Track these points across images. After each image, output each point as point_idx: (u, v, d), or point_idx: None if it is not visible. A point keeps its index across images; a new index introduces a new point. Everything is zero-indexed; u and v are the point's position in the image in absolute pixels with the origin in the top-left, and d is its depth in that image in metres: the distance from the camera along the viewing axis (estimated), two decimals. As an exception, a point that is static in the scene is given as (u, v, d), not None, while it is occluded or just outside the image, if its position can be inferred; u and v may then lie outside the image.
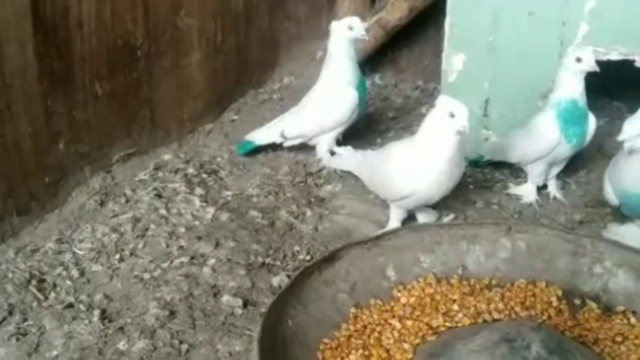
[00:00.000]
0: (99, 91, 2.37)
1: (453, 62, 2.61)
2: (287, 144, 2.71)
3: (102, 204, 2.34)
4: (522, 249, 1.93)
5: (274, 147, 2.78)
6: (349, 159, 2.54)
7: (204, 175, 2.57)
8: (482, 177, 2.59)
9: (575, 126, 2.33)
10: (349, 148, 2.61)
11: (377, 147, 2.87)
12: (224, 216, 2.32)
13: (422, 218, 2.27)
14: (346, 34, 2.56)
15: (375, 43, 3.37)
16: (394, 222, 2.23)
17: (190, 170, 2.58)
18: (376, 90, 3.51)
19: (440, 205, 2.32)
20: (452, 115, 1.98)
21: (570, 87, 2.28)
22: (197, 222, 2.29)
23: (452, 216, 2.31)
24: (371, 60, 3.51)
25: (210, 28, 2.89)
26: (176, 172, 2.57)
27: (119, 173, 2.51)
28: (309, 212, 2.37)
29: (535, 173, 2.43)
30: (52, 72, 2.16)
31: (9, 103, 2.04)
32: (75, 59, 2.24)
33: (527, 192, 2.44)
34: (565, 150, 2.35)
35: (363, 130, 3.00)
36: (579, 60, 2.24)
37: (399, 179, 2.13)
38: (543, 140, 2.34)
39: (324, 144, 2.67)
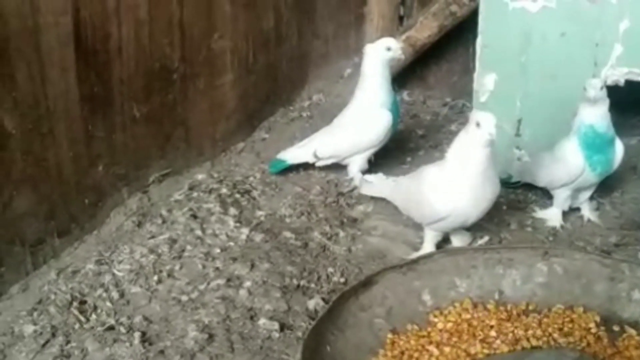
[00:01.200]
0: (136, 114, 2.42)
1: (485, 82, 2.61)
2: (319, 163, 2.73)
3: (140, 224, 2.38)
4: (559, 274, 1.93)
5: (305, 165, 2.81)
6: (381, 185, 2.54)
7: (237, 195, 2.60)
8: (515, 197, 2.58)
9: (600, 153, 2.31)
10: (380, 175, 2.61)
11: (407, 165, 2.89)
12: (258, 237, 2.35)
13: (456, 241, 2.28)
14: (383, 55, 2.58)
15: (404, 60, 3.38)
16: (428, 245, 2.24)
17: (224, 190, 2.62)
18: (405, 107, 3.50)
19: (473, 227, 2.32)
20: (478, 125, 1.97)
21: (586, 112, 2.28)
22: (232, 243, 2.32)
23: (486, 238, 2.31)
24: (400, 77, 3.51)
25: (242, 48, 2.93)
26: (210, 192, 2.61)
27: (155, 194, 2.55)
28: (341, 233, 2.39)
29: (561, 198, 2.42)
30: (93, 97, 2.21)
31: (51, 127, 2.10)
32: (115, 83, 2.29)
33: (552, 216, 2.43)
34: (591, 177, 2.34)
35: (393, 148, 3.00)
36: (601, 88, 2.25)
37: (433, 201, 2.14)
38: (568, 167, 2.34)
39: (355, 165, 2.69)
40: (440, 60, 3.61)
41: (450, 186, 2.09)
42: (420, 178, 2.23)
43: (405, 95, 3.58)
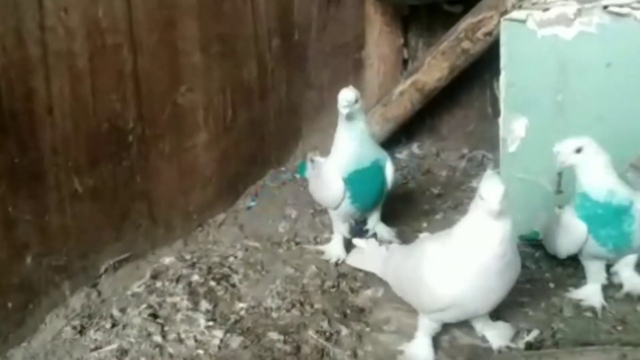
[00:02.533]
0: (78, 188, 1.93)
1: (513, 128, 2.12)
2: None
3: (82, 331, 1.85)
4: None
5: (295, 240, 2.32)
6: (372, 255, 2.00)
7: (212, 283, 2.08)
8: (563, 271, 2.04)
9: (608, 227, 1.79)
10: (372, 241, 2.09)
11: (424, 232, 2.37)
12: (236, 341, 1.81)
13: (493, 337, 1.72)
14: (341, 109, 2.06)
15: (412, 108, 2.92)
16: (422, 339, 1.72)
17: (196, 278, 2.10)
18: (415, 161, 3.08)
19: (516, 316, 1.77)
20: (481, 198, 1.55)
21: (580, 174, 1.82)
22: (200, 351, 1.78)
23: (535, 333, 1.75)
24: (408, 128, 3.08)
25: (218, 103, 2.46)
26: (178, 280, 2.09)
27: (107, 286, 2.03)
28: (344, 331, 1.84)
29: (591, 271, 1.91)
30: (13, 171, 1.72)
31: (-45, 212, 1.60)
32: (44, 151, 1.81)
33: (588, 295, 1.89)
34: (604, 253, 1.83)
35: (404, 211, 2.52)
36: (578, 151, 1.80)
37: (433, 285, 1.61)
38: (569, 236, 1.86)
39: (334, 225, 2.23)
40: (453, 106, 3.15)
41: (456, 267, 1.58)
42: (419, 252, 1.70)
43: (415, 148, 3.18)
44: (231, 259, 2.24)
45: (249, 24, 2.59)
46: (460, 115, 3.19)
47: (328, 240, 2.30)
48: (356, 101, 2.02)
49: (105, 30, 1.93)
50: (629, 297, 1.87)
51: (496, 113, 3.17)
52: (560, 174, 2.08)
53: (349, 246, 2.18)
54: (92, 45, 1.90)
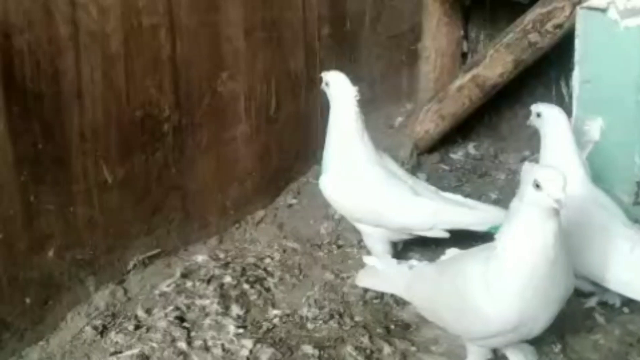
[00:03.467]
0: (108, 178, 1.80)
1: (587, 130, 1.89)
2: None
3: (104, 332, 1.72)
4: None
5: (337, 243, 2.14)
6: (390, 275, 1.75)
7: (245, 286, 1.93)
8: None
9: None
10: (389, 259, 1.84)
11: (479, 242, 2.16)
12: (266, 354, 1.65)
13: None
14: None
15: (471, 105, 2.69)
16: None
17: (228, 279, 1.95)
18: (471, 163, 2.85)
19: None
20: (538, 187, 1.33)
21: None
22: (228, 363, 1.63)
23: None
24: (465, 126, 2.87)
25: (262, 93, 2.30)
26: (209, 281, 1.94)
27: (134, 284, 1.91)
28: (386, 349, 1.66)
29: None
30: (36, 157, 1.60)
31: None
32: (72, 137, 1.68)
33: None
34: None
35: None
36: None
37: (485, 309, 1.41)
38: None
39: (370, 240, 1.99)
40: (514, 103, 2.90)
41: (509, 285, 1.38)
42: (456, 273, 1.50)
43: (471, 148, 2.94)
44: (267, 260, 2.09)
45: (298, 9, 2.42)
46: (523, 114, 2.93)
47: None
48: None
49: (141, 11, 1.80)
50: None
51: (563, 112, 2.93)
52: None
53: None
54: (127, 26, 1.77)
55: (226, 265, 2.04)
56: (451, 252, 1.70)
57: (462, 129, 2.90)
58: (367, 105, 2.90)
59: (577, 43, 1.87)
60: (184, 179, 2.06)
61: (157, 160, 1.96)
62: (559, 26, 2.42)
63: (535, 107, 1.83)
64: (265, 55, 2.30)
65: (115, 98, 1.78)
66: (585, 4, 1.85)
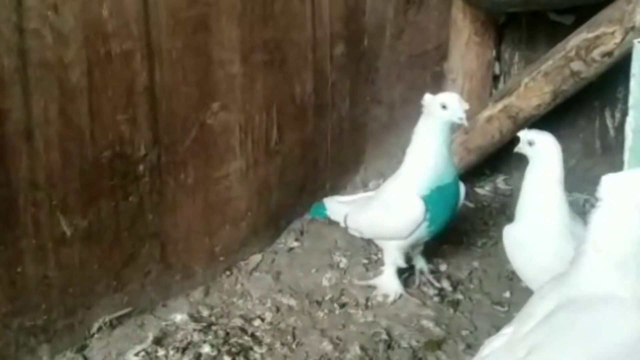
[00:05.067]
0: (66, 231, 1.54)
1: None
2: (350, 231, 2.07)
3: (50, 417, 1.46)
4: None
5: (340, 301, 1.88)
6: None
7: (227, 358, 1.65)
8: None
9: None
10: None
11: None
12: None
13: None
14: (437, 115, 1.82)
15: (501, 139, 2.38)
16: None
17: (207, 349, 1.67)
18: (499, 199, 2.52)
19: None
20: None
21: None
22: None
23: None
24: (494, 159, 2.56)
25: (260, 123, 2.02)
26: (185, 350, 1.66)
27: (97, 351, 1.64)
28: None
29: None
30: (-29, 212, 1.35)
31: None
32: (19, 187, 1.42)
33: None
34: None
35: (483, 272, 2.03)
36: None
37: None
38: None
39: (388, 255, 1.95)
40: (552, 134, 2.55)
41: None
42: None
43: (500, 182, 2.66)
44: (257, 322, 1.81)
45: (306, 27, 2.13)
46: (560, 147, 2.61)
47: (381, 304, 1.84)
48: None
49: (110, 35, 1.52)
50: None
51: (606, 149, 2.60)
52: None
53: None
54: (92, 53, 1.50)
55: (208, 327, 1.76)
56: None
57: (490, 161, 2.59)
58: (385, 131, 2.63)
59: (633, 84, 1.54)
60: (163, 224, 1.79)
61: (130, 205, 1.69)
62: (607, 54, 2.08)
63: (526, 135, 1.74)
64: (265, 80, 2.01)
65: (75, 138, 1.51)
66: (643, 36, 1.53)
